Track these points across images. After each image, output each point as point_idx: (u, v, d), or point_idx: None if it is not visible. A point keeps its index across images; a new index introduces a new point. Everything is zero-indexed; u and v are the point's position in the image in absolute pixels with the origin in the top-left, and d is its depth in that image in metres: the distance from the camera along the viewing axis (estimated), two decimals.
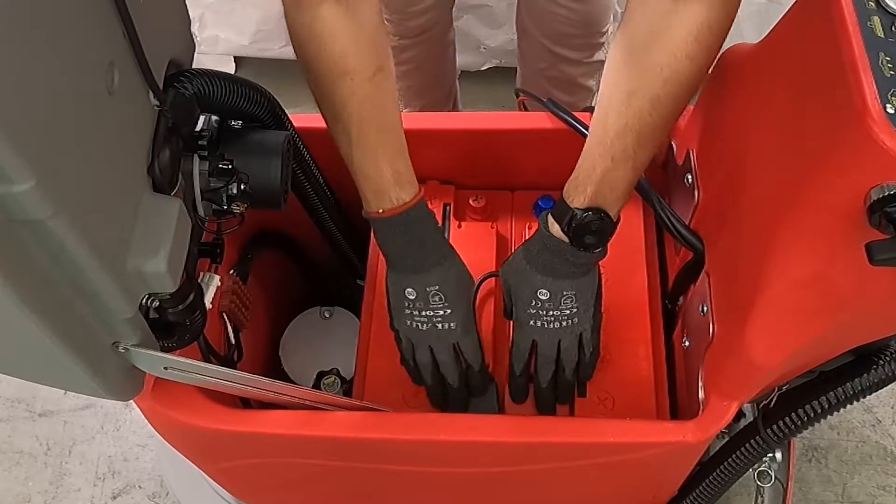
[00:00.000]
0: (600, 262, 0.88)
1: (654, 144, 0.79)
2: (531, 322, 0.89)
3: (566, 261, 0.85)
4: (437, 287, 0.88)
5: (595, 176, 0.80)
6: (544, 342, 0.90)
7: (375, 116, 0.81)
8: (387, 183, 0.83)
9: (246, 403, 0.96)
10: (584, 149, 0.82)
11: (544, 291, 0.87)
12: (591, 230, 0.82)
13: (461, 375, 0.93)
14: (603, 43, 1.49)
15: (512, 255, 0.91)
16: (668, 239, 1.04)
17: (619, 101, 0.77)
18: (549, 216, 0.85)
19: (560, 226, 0.83)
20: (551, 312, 0.88)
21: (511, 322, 0.94)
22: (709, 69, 0.76)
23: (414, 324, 0.90)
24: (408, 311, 0.90)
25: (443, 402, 0.95)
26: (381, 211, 0.85)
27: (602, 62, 1.52)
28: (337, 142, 0.84)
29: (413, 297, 0.89)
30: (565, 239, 0.83)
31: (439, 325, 0.90)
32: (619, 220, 0.84)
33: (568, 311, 0.88)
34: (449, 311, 0.89)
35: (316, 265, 1.24)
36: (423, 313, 0.90)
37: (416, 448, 0.86)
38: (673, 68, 0.74)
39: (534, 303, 0.88)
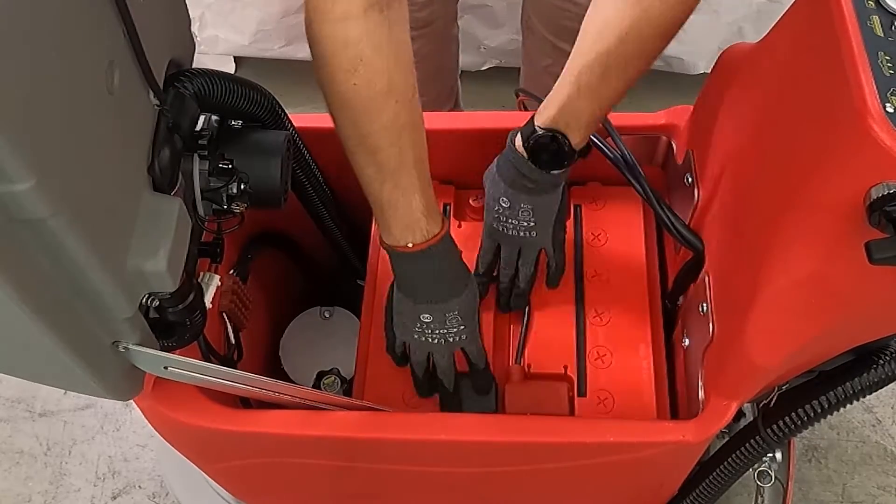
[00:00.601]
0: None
1: (620, 82, 0.81)
2: (493, 225, 0.94)
3: (523, 175, 0.88)
4: (456, 311, 0.87)
5: (559, 100, 0.84)
6: (505, 247, 0.96)
7: (414, 144, 0.78)
8: (418, 214, 0.80)
9: (246, 403, 0.96)
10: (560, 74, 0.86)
11: (505, 200, 0.91)
12: (548, 150, 0.86)
13: (457, 380, 0.93)
14: None
15: (493, 163, 0.94)
16: (668, 239, 1.04)
17: (591, 36, 0.81)
18: (518, 131, 0.88)
19: (522, 141, 0.87)
20: (510, 221, 0.93)
21: (509, 322, 0.95)
22: (684, 15, 0.77)
23: (424, 338, 0.89)
24: (418, 330, 0.88)
25: (428, 391, 0.94)
26: (409, 245, 0.81)
27: None
28: (363, 175, 0.79)
29: (429, 321, 0.87)
30: (524, 154, 0.87)
31: (451, 339, 0.89)
32: (584, 150, 0.87)
33: (525, 224, 0.92)
34: (463, 326, 0.88)
35: (316, 265, 1.24)
36: (438, 331, 0.88)
37: (416, 448, 0.87)
38: (643, 6, 0.76)
39: (497, 208, 0.93)
